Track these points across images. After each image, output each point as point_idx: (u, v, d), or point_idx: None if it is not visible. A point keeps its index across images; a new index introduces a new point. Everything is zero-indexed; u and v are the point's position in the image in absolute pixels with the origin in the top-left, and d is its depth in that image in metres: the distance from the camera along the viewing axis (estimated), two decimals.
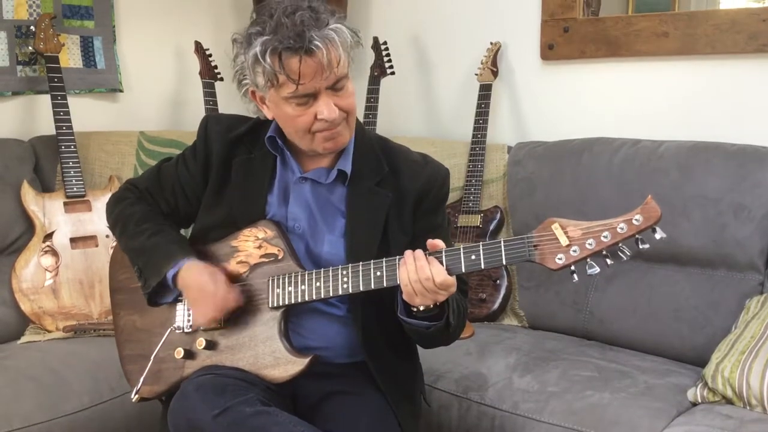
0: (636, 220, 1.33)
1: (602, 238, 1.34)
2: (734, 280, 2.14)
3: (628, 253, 1.36)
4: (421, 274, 1.39)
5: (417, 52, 3.06)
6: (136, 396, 1.66)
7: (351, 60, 1.52)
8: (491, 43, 2.76)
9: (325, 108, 1.47)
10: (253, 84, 1.52)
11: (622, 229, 1.33)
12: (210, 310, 1.54)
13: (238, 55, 1.52)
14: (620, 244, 1.35)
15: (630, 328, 2.25)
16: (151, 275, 1.61)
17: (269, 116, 1.58)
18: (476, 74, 2.75)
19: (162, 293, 1.64)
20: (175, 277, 1.59)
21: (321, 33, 1.43)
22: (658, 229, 1.33)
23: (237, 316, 1.59)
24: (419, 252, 1.43)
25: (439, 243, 1.44)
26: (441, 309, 1.47)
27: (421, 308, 1.46)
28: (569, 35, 2.64)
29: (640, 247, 1.34)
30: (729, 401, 1.84)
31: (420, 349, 1.73)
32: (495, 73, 2.73)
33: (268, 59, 1.43)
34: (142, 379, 1.65)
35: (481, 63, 2.75)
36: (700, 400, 1.88)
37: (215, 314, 1.55)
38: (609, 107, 2.61)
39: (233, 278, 1.61)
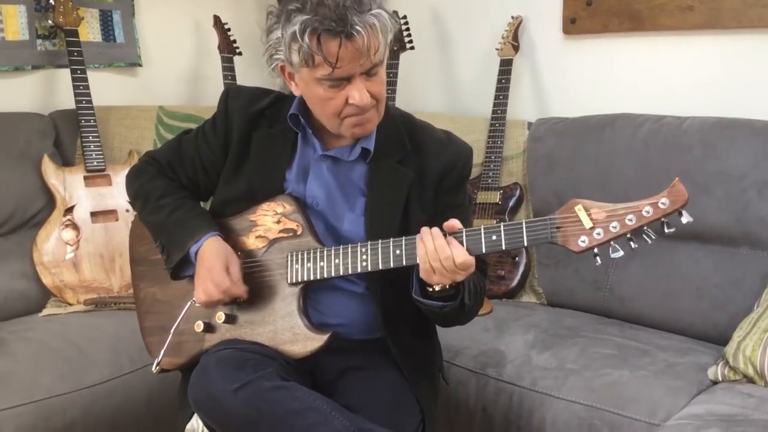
0: (662, 203, 1.30)
1: (627, 221, 1.31)
2: (757, 257, 2.11)
3: (653, 237, 1.32)
4: (441, 253, 1.38)
5: (437, 26, 3.03)
6: (157, 367, 1.68)
7: (387, 47, 1.48)
8: (512, 17, 2.73)
9: (357, 93, 1.45)
10: (287, 61, 1.48)
11: (647, 212, 1.30)
12: (209, 294, 1.55)
13: (272, 29, 1.48)
14: (645, 227, 1.32)
15: (650, 306, 2.24)
16: (174, 250, 1.61)
17: (296, 93, 1.55)
18: (497, 49, 2.72)
19: (184, 266, 1.64)
20: (197, 251, 1.59)
21: (363, 18, 1.39)
22: (684, 212, 1.29)
23: (256, 291, 1.59)
24: (437, 230, 1.41)
25: (456, 224, 1.42)
26: (456, 289, 1.47)
27: (437, 288, 1.45)
28: (592, 9, 2.59)
29: (666, 230, 1.31)
30: (750, 380, 1.83)
31: (437, 326, 1.73)
32: (516, 48, 2.70)
33: (306, 39, 1.39)
34: (162, 351, 1.66)
35: (502, 37, 2.72)
36: (720, 379, 1.87)
37: (212, 299, 1.55)
38: (632, 82, 2.57)
39: (252, 253, 1.61)
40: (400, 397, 1.56)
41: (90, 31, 2.78)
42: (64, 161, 2.57)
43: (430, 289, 1.47)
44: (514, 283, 2.49)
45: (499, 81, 2.67)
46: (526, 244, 1.37)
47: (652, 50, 2.52)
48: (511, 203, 2.57)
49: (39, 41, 2.65)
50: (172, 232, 1.63)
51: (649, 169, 2.27)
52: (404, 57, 2.85)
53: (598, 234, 1.33)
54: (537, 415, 1.90)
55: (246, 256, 1.62)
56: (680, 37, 2.45)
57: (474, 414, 2.02)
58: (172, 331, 1.65)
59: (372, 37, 1.41)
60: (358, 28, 1.38)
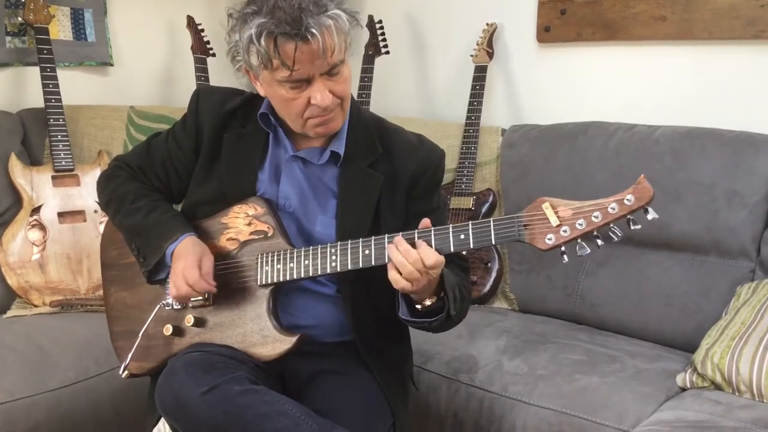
0: (628, 200, 1.30)
1: (593, 218, 1.31)
2: (726, 266, 2.14)
3: (620, 234, 1.33)
4: (408, 257, 1.37)
5: (412, 31, 3.03)
6: (125, 372, 1.65)
7: (349, 45, 1.48)
8: (487, 24, 2.74)
9: (319, 94, 1.44)
10: (247, 64, 1.49)
11: (613, 209, 1.31)
12: (177, 287, 1.53)
13: (232, 31, 1.48)
14: (611, 225, 1.32)
15: (620, 313, 2.25)
16: (150, 253, 1.59)
17: (262, 93, 1.55)
18: (471, 55, 2.73)
19: (160, 269, 1.62)
20: (173, 252, 1.57)
21: (318, 20, 1.39)
22: (650, 209, 1.30)
23: (226, 294, 1.57)
24: (398, 237, 1.40)
25: (428, 222, 1.42)
26: (442, 301, 1.46)
27: (428, 303, 1.45)
28: (566, 17, 2.61)
29: (632, 227, 1.31)
30: (718, 387, 1.84)
31: (411, 329, 1.72)
32: (490, 55, 2.71)
33: (263, 42, 1.40)
34: (130, 355, 1.64)
35: (477, 44, 2.73)
36: (689, 386, 1.89)
37: (180, 293, 1.53)
38: (605, 91, 2.59)
39: (223, 255, 1.59)
40: (371, 401, 1.55)
41: (61, 29, 2.74)
42: (32, 160, 2.53)
43: (419, 307, 1.46)
44: (487, 288, 2.50)
45: (473, 87, 2.68)
46: (494, 242, 1.37)
47: (625, 59, 2.54)
48: (484, 209, 2.57)
49: (8, 38, 2.60)
50: (148, 235, 1.61)
51: (620, 176, 2.28)
52: (379, 62, 2.85)
53: (565, 231, 1.33)
54: (507, 421, 1.90)
55: (217, 258, 1.60)
56: (653, 47, 2.48)
57: (444, 419, 2.02)
58: (140, 334, 1.63)
59: (328, 39, 1.40)
60: (313, 30, 1.38)
